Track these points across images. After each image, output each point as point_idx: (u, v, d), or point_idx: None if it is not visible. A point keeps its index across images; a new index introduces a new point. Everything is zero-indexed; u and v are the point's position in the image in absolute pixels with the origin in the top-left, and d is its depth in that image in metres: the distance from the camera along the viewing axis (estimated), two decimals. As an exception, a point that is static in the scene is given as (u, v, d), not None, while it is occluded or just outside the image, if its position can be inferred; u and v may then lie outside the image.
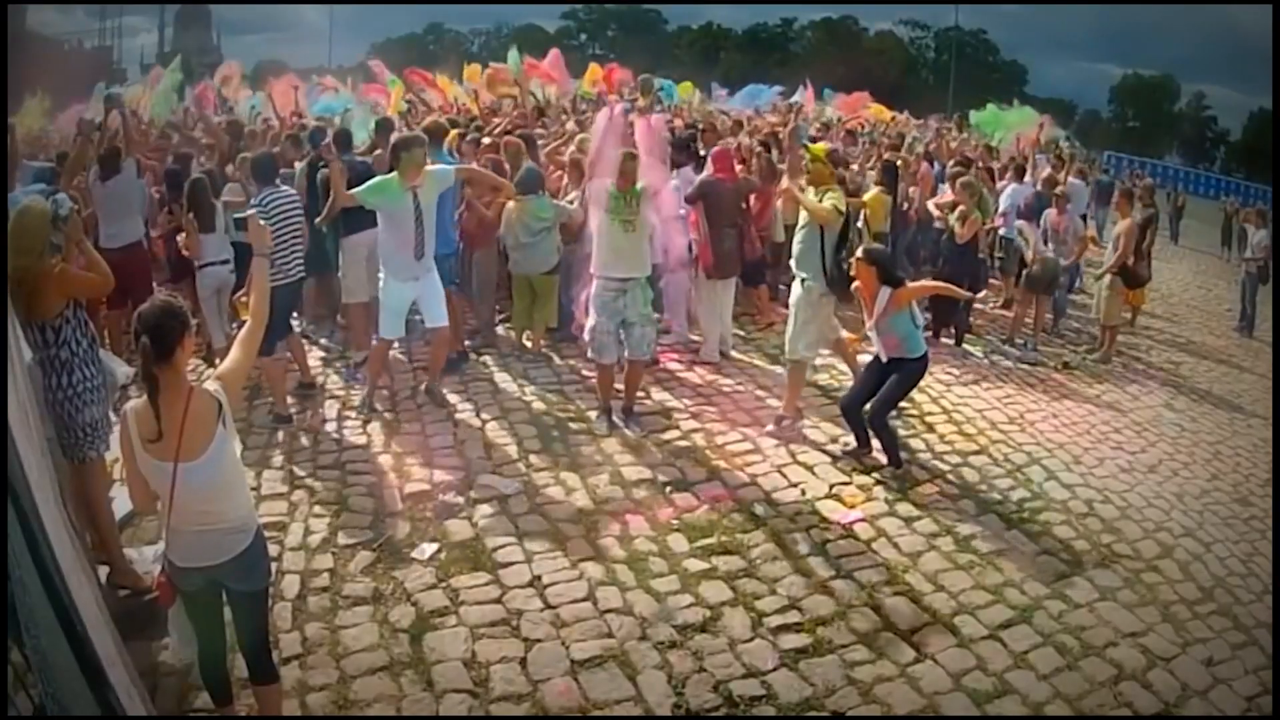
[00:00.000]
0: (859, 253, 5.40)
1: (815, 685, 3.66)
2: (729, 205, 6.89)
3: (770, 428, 5.79)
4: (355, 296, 6.68)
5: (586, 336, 5.70)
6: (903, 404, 6.52)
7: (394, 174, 5.53)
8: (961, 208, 8.02)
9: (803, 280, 5.78)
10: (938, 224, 8.66)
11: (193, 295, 6.32)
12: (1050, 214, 8.88)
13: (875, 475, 5.41)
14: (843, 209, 5.67)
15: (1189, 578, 4.80)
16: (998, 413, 6.72)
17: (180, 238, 6.41)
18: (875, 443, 5.52)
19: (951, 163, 9.80)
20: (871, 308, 5.31)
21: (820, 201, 5.59)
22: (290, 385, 6.06)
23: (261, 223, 3.28)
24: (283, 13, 44.17)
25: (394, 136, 6.17)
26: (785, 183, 6.11)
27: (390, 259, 5.70)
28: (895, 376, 5.38)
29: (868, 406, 5.43)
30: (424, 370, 6.55)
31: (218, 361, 4.41)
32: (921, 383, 6.99)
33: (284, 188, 5.83)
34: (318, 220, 6.30)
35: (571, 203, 6.90)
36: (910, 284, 5.53)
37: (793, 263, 5.93)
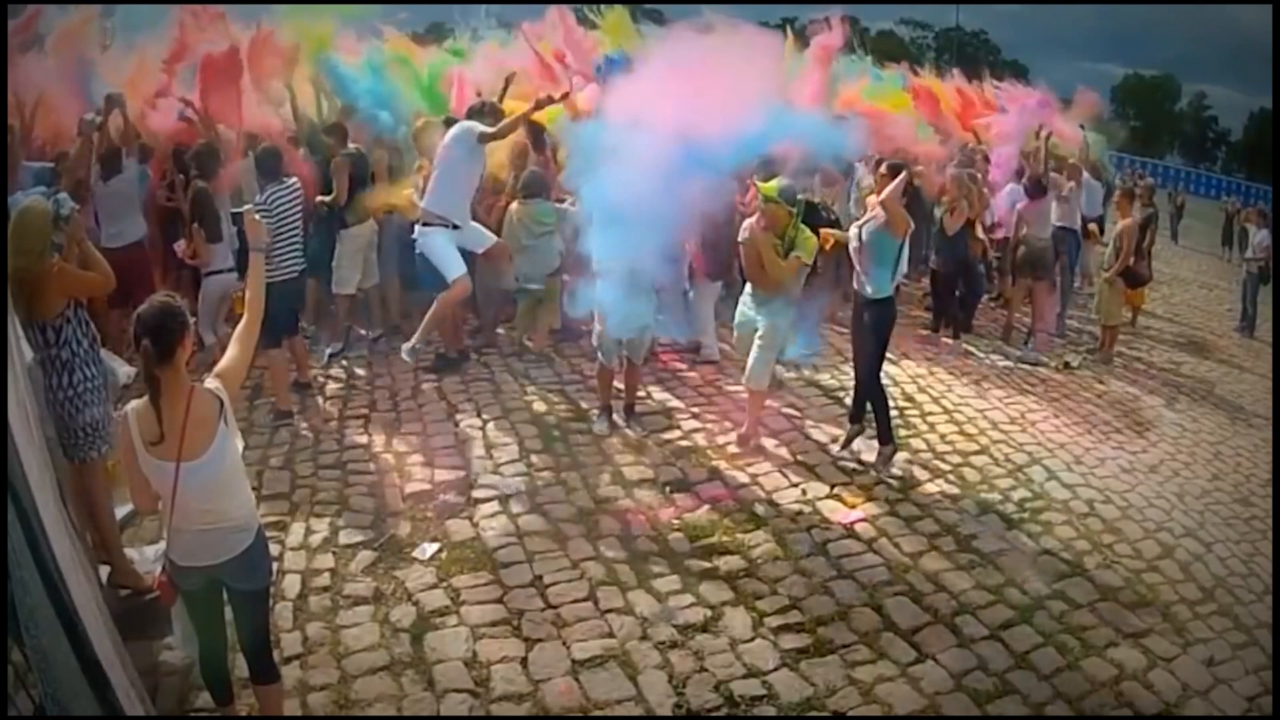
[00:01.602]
0: (886, 165, 5.37)
1: (816, 685, 3.66)
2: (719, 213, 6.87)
3: (735, 450, 5.59)
4: (344, 287, 6.76)
5: (595, 342, 5.70)
6: (905, 404, 6.56)
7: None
8: (948, 198, 8.08)
9: (774, 313, 5.50)
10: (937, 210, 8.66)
11: (191, 294, 6.33)
12: (1053, 206, 8.88)
13: (876, 475, 5.41)
14: (810, 254, 5.36)
15: (1190, 578, 4.80)
16: (999, 412, 6.72)
17: (178, 246, 6.41)
18: (875, 443, 5.53)
19: (954, 162, 9.77)
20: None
21: (787, 256, 5.31)
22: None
23: (257, 218, 3.29)
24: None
25: (473, 103, 6.40)
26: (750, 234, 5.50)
27: (447, 206, 5.84)
28: (865, 330, 5.42)
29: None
30: (425, 370, 6.57)
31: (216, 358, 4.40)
32: (923, 382, 7.05)
33: (288, 181, 5.82)
34: (321, 198, 6.39)
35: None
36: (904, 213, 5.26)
37: (751, 293, 5.61)
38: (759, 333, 5.50)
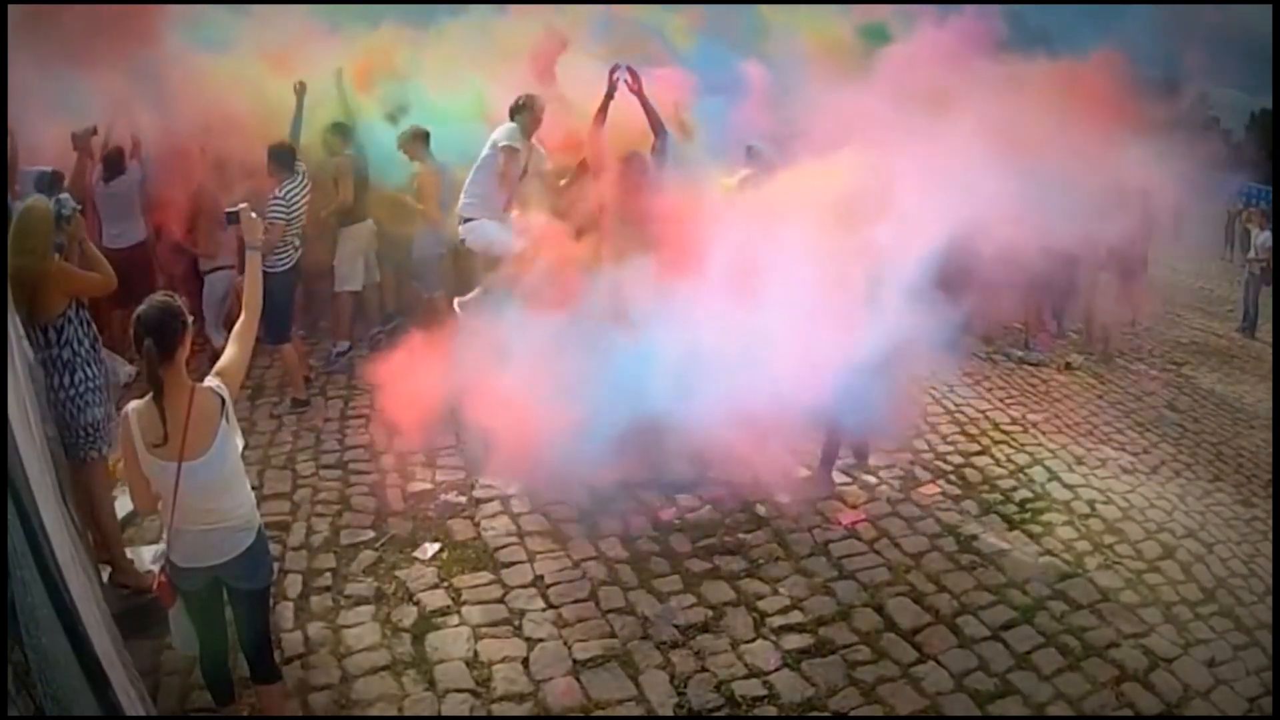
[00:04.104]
0: None
1: (817, 685, 3.66)
2: None
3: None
4: (348, 285, 6.68)
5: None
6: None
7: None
8: None
9: None
10: None
11: (194, 294, 6.32)
12: None
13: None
14: None
15: (1191, 579, 4.80)
16: (1000, 413, 6.72)
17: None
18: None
19: None
20: None
21: None
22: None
23: (254, 216, 3.26)
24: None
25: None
26: None
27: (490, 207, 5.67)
28: None
29: None
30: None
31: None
32: (925, 383, 7.03)
33: (300, 174, 5.79)
34: (324, 212, 6.34)
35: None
36: None
37: None
38: None
